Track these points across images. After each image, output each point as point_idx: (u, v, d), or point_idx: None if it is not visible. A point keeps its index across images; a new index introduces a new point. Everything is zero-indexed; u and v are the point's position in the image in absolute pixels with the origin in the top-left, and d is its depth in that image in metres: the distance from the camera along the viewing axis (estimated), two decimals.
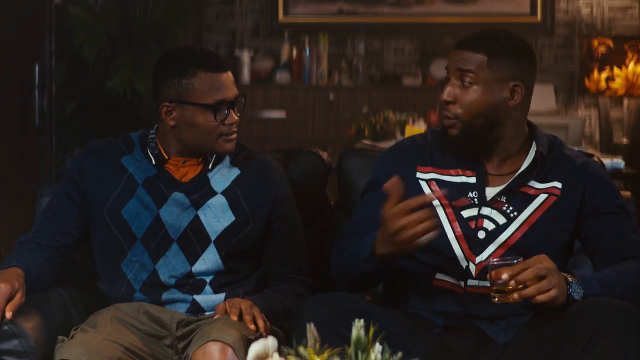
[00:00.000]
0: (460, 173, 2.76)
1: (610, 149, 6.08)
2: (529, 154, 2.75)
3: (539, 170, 2.74)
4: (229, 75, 2.90)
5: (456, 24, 6.60)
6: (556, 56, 6.65)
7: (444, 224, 2.72)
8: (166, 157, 2.93)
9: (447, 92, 2.71)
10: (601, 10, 6.60)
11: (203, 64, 2.87)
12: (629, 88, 5.89)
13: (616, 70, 5.87)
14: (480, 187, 2.73)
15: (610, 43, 5.91)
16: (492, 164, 2.76)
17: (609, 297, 2.51)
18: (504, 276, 2.47)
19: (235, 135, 2.90)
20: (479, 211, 2.71)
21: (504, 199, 2.73)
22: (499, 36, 2.74)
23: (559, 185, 2.74)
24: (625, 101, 6.12)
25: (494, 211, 2.71)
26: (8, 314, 2.66)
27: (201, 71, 2.86)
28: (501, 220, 2.71)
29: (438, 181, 2.76)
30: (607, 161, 4.99)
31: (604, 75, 5.91)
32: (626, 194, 3.13)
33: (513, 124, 2.73)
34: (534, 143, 2.76)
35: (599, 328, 2.41)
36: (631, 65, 5.86)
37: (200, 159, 2.94)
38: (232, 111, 2.88)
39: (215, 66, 2.88)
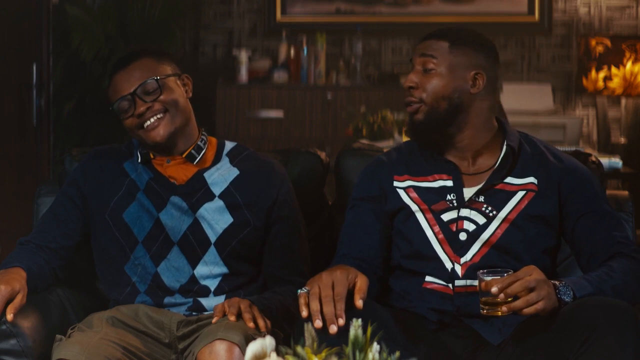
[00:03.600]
0: (437, 178, 2.78)
1: (608, 148, 6.07)
2: (502, 151, 2.77)
3: (512, 165, 2.76)
4: (128, 70, 2.89)
5: (454, 23, 6.60)
6: (554, 55, 6.65)
7: (425, 229, 2.74)
8: (152, 156, 2.95)
9: (410, 79, 2.77)
10: (599, 10, 6.60)
11: (111, 70, 2.93)
12: (626, 87, 5.88)
13: (614, 69, 5.87)
14: (457, 189, 2.75)
15: (608, 42, 5.91)
16: (465, 164, 2.78)
17: (603, 297, 2.51)
18: (493, 289, 2.46)
19: (150, 122, 2.88)
20: (458, 213, 2.73)
21: (482, 199, 2.74)
22: (462, 29, 2.81)
23: (534, 180, 2.75)
24: (623, 101, 6.12)
25: (473, 212, 2.72)
26: (9, 316, 2.66)
27: (111, 79, 2.93)
28: (481, 220, 2.72)
29: (415, 188, 2.79)
30: (605, 161, 4.99)
31: (601, 74, 5.90)
32: (624, 193, 3.14)
33: (477, 114, 2.75)
34: (505, 139, 2.78)
35: (595, 327, 2.41)
36: (629, 65, 5.86)
37: (183, 155, 2.94)
38: (137, 101, 2.88)
39: (117, 67, 2.92)
